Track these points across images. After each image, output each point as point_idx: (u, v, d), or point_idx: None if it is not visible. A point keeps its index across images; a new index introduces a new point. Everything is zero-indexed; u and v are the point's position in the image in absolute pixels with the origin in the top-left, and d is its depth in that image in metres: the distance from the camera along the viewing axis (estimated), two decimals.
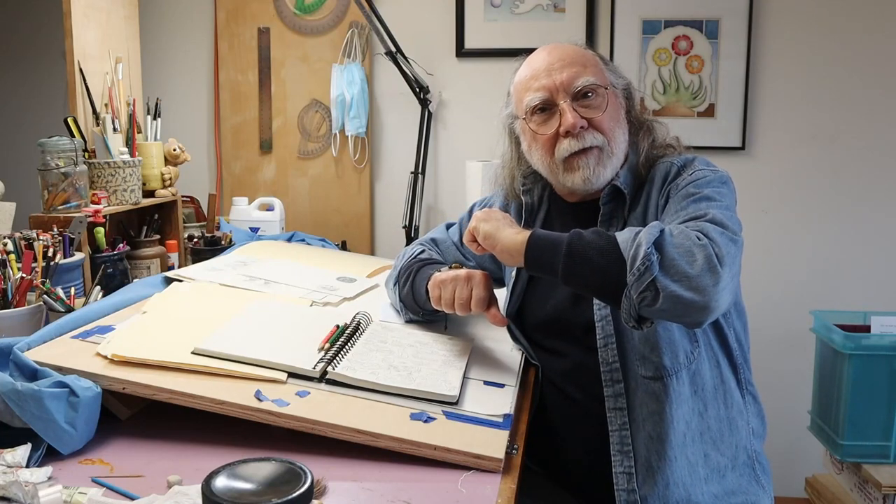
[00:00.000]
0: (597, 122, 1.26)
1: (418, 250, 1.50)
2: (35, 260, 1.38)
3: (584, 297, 1.27)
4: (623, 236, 1.08)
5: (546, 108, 1.28)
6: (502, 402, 1.15)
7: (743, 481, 1.27)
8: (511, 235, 1.18)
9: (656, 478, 1.20)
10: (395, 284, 1.46)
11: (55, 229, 1.53)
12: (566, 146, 1.26)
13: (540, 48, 1.34)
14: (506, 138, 1.41)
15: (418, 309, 1.40)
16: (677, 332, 1.22)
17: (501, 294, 1.54)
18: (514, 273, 1.38)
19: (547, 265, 1.12)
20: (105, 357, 1.10)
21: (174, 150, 2.04)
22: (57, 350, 1.12)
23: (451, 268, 1.33)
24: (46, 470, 0.93)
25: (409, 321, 1.45)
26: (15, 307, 1.30)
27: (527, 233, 1.16)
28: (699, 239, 1.06)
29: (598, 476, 1.24)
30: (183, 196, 2.15)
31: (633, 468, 1.20)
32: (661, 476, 1.20)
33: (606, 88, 1.28)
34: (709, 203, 1.16)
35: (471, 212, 1.54)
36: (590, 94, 1.27)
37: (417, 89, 2.31)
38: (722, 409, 1.25)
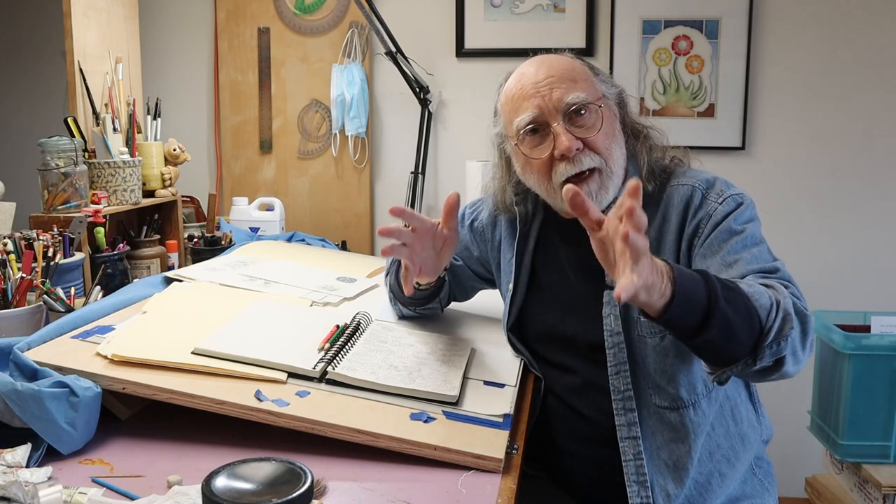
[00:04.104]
0: (592, 143, 1.16)
1: None
2: (35, 260, 1.38)
3: (592, 316, 1.20)
4: (761, 301, 0.97)
5: (538, 130, 1.18)
6: (502, 402, 1.15)
7: (747, 488, 1.26)
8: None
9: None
10: (385, 276, 1.47)
11: (55, 229, 1.53)
12: (563, 170, 1.17)
13: (526, 62, 1.23)
14: (495, 155, 1.31)
15: (405, 299, 1.39)
16: (697, 365, 1.16)
17: (494, 295, 1.50)
18: (511, 285, 1.33)
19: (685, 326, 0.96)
20: (105, 357, 1.10)
21: (174, 150, 2.04)
22: (57, 350, 1.12)
23: None
24: (46, 470, 0.93)
25: (401, 317, 1.45)
26: (15, 307, 1.30)
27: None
28: (806, 312, 1.01)
29: (607, 491, 1.21)
30: (183, 196, 2.15)
31: (651, 498, 1.16)
32: (678, 502, 1.18)
33: (600, 105, 1.18)
34: (758, 248, 1.13)
35: (462, 214, 1.48)
36: (583, 112, 1.17)
37: (417, 89, 2.31)
38: (732, 426, 1.22)
